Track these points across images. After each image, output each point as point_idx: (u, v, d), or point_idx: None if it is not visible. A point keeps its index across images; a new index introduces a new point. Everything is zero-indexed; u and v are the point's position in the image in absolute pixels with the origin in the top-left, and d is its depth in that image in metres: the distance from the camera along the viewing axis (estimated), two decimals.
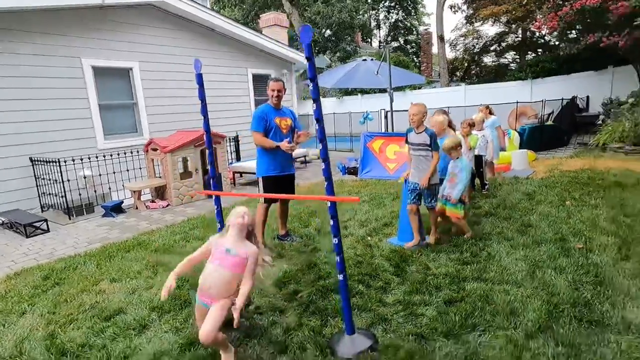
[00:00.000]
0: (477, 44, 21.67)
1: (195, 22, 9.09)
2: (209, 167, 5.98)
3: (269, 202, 4.18)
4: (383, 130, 11.86)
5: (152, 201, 6.96)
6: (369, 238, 4.24)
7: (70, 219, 6.23)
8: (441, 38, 19.48)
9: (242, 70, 10.62)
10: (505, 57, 21.60)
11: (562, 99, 12.74)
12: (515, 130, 10.24)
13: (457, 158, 4.06)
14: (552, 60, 15.18)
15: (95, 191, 6.82)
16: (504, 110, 12.85)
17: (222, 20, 9.59)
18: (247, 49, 10.57)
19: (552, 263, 3.20)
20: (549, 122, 11.98)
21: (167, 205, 6.87)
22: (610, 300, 2.59)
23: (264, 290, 3.13)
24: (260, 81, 11.08)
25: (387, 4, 33.84)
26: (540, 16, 12.80)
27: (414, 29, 33.83)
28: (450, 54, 22.31)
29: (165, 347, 2.52)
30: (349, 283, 2.93)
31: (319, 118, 2.27)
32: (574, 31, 12.37)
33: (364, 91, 19.73)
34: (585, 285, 2.82)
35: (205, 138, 3.13)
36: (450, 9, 20.53)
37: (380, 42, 38.02)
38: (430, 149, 3.78)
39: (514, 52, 20.45)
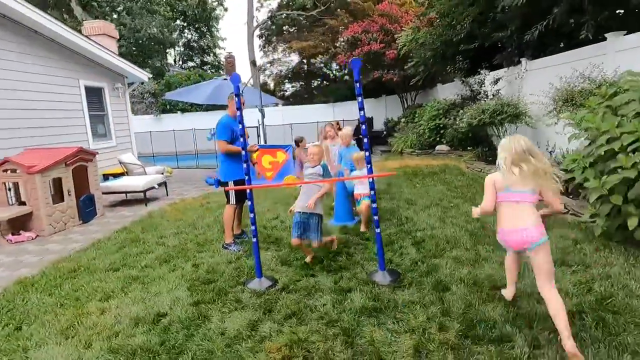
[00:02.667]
0: (282, 71, 24.75)
1: (15, 20, 7.54)
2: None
3: (240, 202, 4.60)
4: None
5: (14, 233, 5.67)
6: None
7: None
8: (253, 63, 21.42)
9: (74, 82, 9.35)
10: (312, 83, 25.46)
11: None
12: None
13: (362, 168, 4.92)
14: (348, 88, 19.31)
15: None
16: (311, 128, 15.53)
17: (48, 20, 8.20)
18: (78, 58, 9.39)
19: (448, 214, 5.04)
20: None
21: (37, 237, 5.75)
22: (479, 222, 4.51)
23: None
24: (94, 94, 9.98)
25: (179, 23, 33.82)
26: (341, 54, 16.33)
27: (210, 51, 35.01)
28: (261, 78, 24.63)
29: None
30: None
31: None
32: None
33: (185, 109, 19.50)
34: (471, 222, 4.69)
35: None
36: (259, 38, 22.81)
37: (175, 60, 37.54)
38: (322, 177, 3.89)
39: (317, 80, 24.50)
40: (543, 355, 2.21)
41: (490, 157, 8.66)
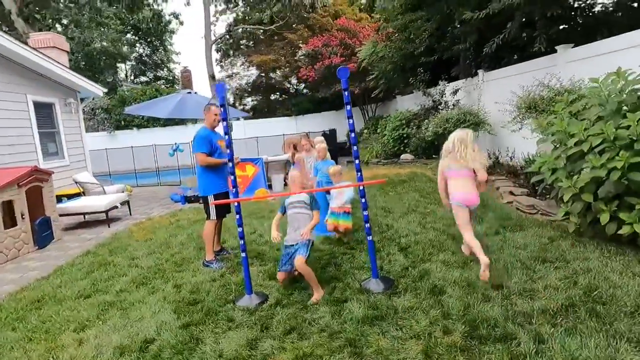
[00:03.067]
0: (242, 85, 24.52)
1: None
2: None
3: (220, 217, 4.42)
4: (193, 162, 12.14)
5: None
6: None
7: None
8: (212, 77, 21.05)
9: (20, 97, 8.69)
10: (271, 97, 25.36)
11: (324, 131, 16.68)
12: None
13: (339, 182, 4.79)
14: (310, 101, 19.48)
15: None
16: (277, 141, 15.48)
17: None
18: (25, 72, 8.76)
19: (426, 220, 5.14)
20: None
21: None
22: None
23: None
24: (43, 110, 9.33)
25: (129, 36, 32.66)
26: (303, 67, 16.49)
27: (164, 66, 34.06)
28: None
29: None
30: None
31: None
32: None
33: (141, 125, 18.74)
34: (451, 226, 4.81)
35: None
36: (217, 52, 22.49)
37: (126, 75, 36.16)
38: (309, 207, 3.52)
39: (277, 93, 24.45)
40: (549, 349, 2.28)
41: None
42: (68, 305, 3.64)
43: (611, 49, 5.45)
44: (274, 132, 16.44)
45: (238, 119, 19.12)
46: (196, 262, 4.50)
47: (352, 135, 3.41)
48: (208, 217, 4.39)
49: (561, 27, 6.49)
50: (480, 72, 8.80)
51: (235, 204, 3.44)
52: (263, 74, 23.67)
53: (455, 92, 9.52)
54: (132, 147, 12.62)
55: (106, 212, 7.02)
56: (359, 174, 3.46)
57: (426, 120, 9.44)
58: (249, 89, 25.47)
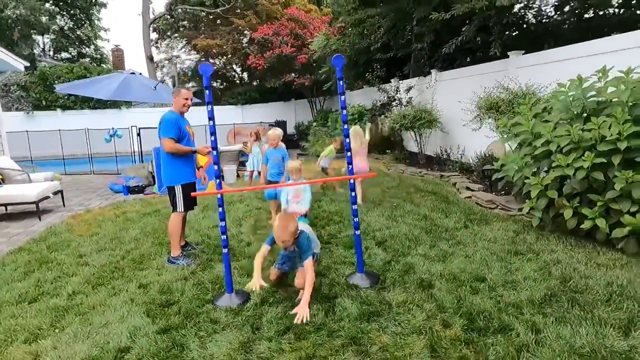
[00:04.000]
0: (183, 69, 23.06)
1: None
2: None
3: (188, 209, 4.06)
4: (136, 149, 11.22)
5: None
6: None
7: None
8: (150, 58, 19.54)
9: None
10: (215, 84, 24.11)
11: (276, 121, 16.30)
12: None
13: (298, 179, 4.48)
14: (257, 91, 18.89)
15: None
16: (223, 130, 14.90)
17: None
18: None
19: (395, 214, 5.22)
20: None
21: None
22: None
23: None
24: None
25: (49, 6, 29.08)
26: (252, 55, 15.91)
27: (90, 42, 30.95)
28: (158, 76, 22.58)
29: None
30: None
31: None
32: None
33: (67, 106, 16.83)
34: (421, 220, 4.93)
35: None
36: (155, 31, 20.83)
37: (44, 49, 32.24)
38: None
39: (219, 81, 23.26)
40: (547, 338, 2.39)
41: (408, 159, 9.32)
42: (10, 312, 3.11)
43: (553, 59, 5.96)
44: (218, 121, 15.68)
45: (122, 105, 17.83)
46: (158, 259, 4.11)
47: (345, 127, 3.30)
48: (174, 209, 4.02)
49: (514, 34, 6.95)
50: (433, 71, 9.15)
51: (219, 196, 3.16)
52: (204, 59, 22.47)
53: (408, 89, 9.81)
54: (59, 130, 11.24)
55: (37, 202, 6.17)
56: (350, 166, 3.37)
57: (382, 116, 9.62)
58: (189, 74, 24.08)
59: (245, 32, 19.83)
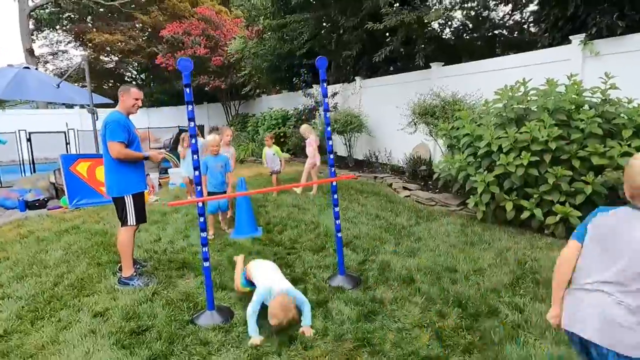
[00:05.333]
0: (68, 66, 20.23)
1: None
2: None
3: (140, 222, 3.57)
4: (24, 156, 9.54)
5: None
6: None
7: None
8: (31, 52, 16.76)
9: None
10: (103, 85, 21.57)
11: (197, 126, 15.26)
12: None
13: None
14: (164, 92, 17.52)
15: None
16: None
17: None
18: None
19: (347, 215, 5.30)
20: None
21: None
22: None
23: None
24: None
25: None
26: (161, 55, 14.74)
27: None
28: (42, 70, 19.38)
29: None
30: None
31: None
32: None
33: None
34: (374, 220, 5.11)
35: None
36: (35, 21, 17.84)
37: None
38: None
39: (112, 81, 20.91)
40: (530, 316, 2.68)
41: (338, 163, 9.57)
42: None
43: (470, 71, 6.77)
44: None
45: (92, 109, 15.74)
46: (104, 282, 3.56)
47: (328, 129, 3.27)
48: (124, 224, 3.51)
49: (432, 47, 7.68)
50: (357, 78, 9.60)
51: (200, 204, 2.86)
52: (94, 56, 20.05)
53: (333, 95, 10.11)
54: None
55: None
56: (332, 169, 3.35)
57: (313, 120, 9.74)
58: (74, 73, 21.19)
59: (148, 28, 18.32)
